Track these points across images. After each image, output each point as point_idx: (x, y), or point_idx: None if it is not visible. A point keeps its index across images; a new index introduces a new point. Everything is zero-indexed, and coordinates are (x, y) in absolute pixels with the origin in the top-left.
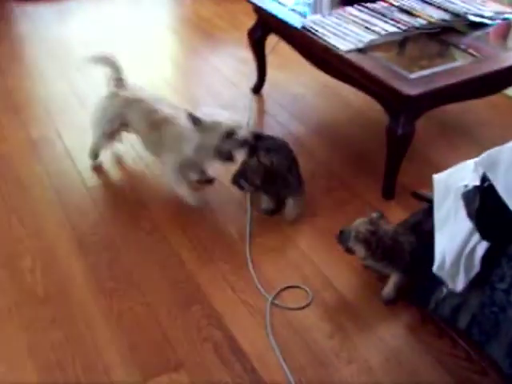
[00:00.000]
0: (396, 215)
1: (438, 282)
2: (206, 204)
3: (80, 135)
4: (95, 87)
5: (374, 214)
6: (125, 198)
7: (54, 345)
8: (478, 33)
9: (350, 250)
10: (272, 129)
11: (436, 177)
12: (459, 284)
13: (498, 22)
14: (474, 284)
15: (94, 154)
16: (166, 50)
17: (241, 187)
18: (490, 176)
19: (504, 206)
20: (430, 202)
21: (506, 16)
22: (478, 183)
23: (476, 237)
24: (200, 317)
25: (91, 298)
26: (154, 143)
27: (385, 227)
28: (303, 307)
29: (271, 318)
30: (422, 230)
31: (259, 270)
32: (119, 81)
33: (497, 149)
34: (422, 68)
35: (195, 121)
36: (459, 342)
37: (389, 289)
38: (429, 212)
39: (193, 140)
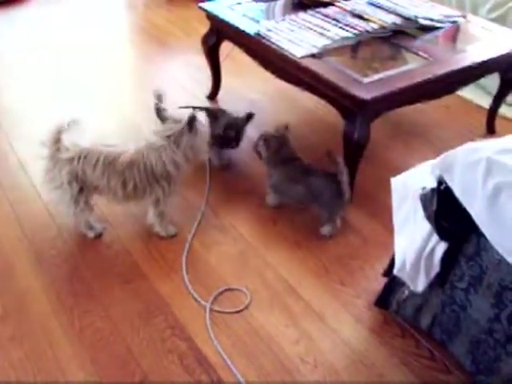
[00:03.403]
0: (355, 217)
1: (398, 283)
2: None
3: (34, 147)
4: (52, 98)
5: (280, 125)
6: None
7: (14, 363)
8: (429, 36)
9: (259, 154)
10: None
11: (394, 180)
12: (420, 285)
13: (448, 24)
14: (434, 284)
15: (87, 226)
16: (120, 58)
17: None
18: (447, 178)
19: (461, 207)
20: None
21: (455, 19)
22: (435, 185)
23: (434, 238)
24: (164, 328)
25: (51, 313)
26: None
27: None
28: (242, 310)
29: (237, 327)
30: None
31: (219, 277)
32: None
33: (452, 152)
34: (376, 72)
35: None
36: (422, 342)
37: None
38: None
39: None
